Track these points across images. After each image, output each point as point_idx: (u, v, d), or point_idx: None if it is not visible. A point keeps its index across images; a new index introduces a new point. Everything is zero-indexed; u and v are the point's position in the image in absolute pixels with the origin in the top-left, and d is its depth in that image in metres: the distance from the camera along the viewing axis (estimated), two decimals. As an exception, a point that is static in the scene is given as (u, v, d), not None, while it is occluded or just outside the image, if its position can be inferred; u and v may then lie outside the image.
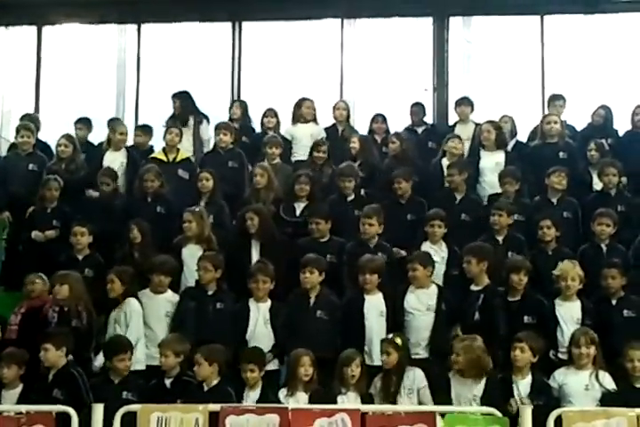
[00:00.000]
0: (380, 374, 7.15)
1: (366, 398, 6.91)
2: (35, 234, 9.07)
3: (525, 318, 7.45)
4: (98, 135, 10.98)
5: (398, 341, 7.10)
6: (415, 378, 7.05)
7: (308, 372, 6.96)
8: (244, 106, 11.21)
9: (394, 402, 6.85)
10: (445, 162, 9.63)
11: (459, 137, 10.00)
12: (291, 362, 7.09)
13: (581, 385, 6.81)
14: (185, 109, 10.73)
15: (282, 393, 6.99)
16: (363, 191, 9.31)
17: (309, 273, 7.67)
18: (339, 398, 6.83)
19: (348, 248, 8.30)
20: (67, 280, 7.79)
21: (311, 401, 6.68)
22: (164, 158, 9.86)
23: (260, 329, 7.60)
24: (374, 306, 7.62)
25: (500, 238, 8.38)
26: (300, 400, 6.82)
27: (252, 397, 6.91)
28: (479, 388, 6.79)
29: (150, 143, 10.61)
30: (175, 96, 10.87)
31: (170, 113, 10.87)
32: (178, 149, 9.99)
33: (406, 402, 6.90)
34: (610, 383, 6.86)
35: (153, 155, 10.03)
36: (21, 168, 9.91)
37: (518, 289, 7.60)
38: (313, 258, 7.80)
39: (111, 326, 7.68)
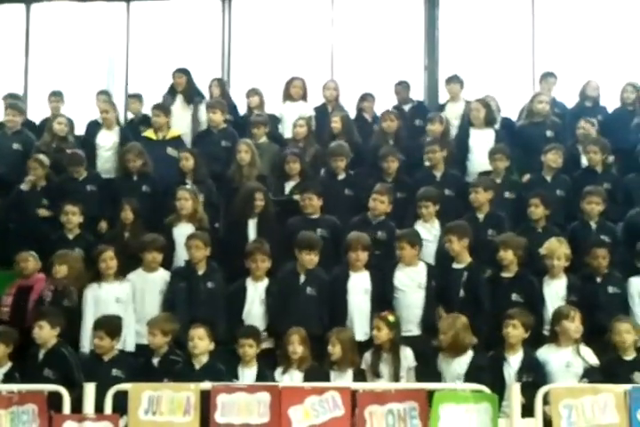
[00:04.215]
0: (372, 349, 7.16)
1: (358, 375, 6.92)
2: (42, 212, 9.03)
3: (514, 295, 7.48)
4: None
5: (391, 318, 7.10)
6: (406, 357, 7.07)
7: (296, 350, 6.96)
8: (222, 84, 11.08)
9: (396, 380, 6.84)
10: None
11: (439, 119, 9.84)
12: (283, 341, 7.11)
13: (562, 363, 6.82)
14: (190, 86, 10.63)
15: (277, 372, 7.01)
16: (352, 172, 9.28)
17: (314, 256, 7.67)
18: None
19: (350, 224, 8.28)
20: (66, 260, 7.80)
21: (306, 379, 6.68)
22: (153, 137, 9.84)
23: (255, 308, 7.62)
24: (359, 283, 7.63)
25: (480, 216, 8.37)
26: (294, 378, 6.83)
27: (248, 375, 6.92)
28: (462, 366, 6.84)
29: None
30: (181, 72, 10.66)
31: (160, 90, 10.81)
32: (169, 128, 9.95)
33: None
34: (592, 358, 6.86)
35: (144, 133, 9.99)
36: (6, 147, 9.87)
37: (509, 266, 7.62)
38: (315, 240, 7.77)
39: (106, 304, 7.62)
